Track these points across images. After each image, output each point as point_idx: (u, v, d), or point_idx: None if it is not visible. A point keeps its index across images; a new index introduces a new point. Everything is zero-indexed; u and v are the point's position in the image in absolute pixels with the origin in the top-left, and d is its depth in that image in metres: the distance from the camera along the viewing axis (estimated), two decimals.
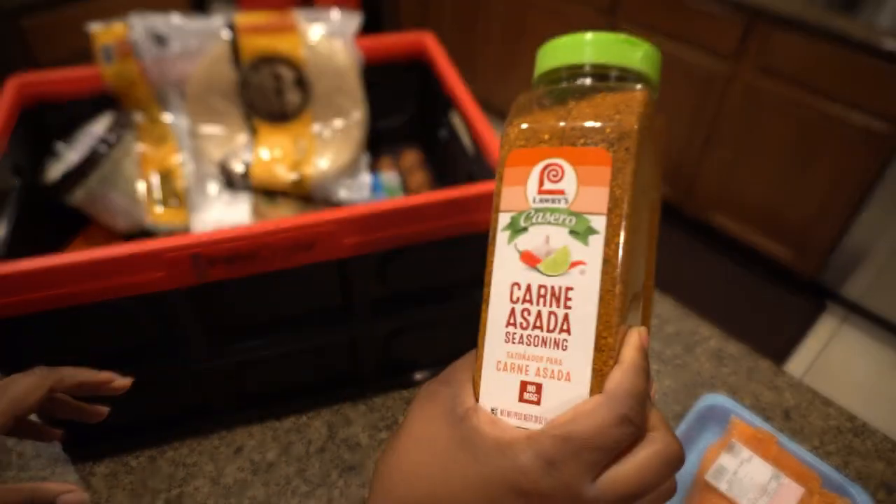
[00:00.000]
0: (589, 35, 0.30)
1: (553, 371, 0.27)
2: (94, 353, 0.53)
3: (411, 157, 0.78)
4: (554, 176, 0.28)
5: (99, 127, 0.63)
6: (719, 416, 0.62)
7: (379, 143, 0.77)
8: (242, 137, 0.67)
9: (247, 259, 0.49)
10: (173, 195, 0.64)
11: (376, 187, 0.74)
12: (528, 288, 0.27)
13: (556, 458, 0.24)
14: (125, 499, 0.58)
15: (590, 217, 0.27)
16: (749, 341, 0.77)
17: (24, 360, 0.50)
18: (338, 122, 0.67)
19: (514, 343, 0.28)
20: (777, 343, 1.69)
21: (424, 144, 0.81)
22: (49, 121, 0.65)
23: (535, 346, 0.27)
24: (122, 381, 0.42)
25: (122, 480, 0.59)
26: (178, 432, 0.62)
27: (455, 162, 0.71)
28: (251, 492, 0.58)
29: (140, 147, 0.64)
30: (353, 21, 0.67)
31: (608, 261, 0.26)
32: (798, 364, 1.65)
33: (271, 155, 0.66)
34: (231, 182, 0.67)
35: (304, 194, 0.68)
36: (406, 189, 0.76)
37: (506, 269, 0.28)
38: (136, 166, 0.64)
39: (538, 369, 0.27)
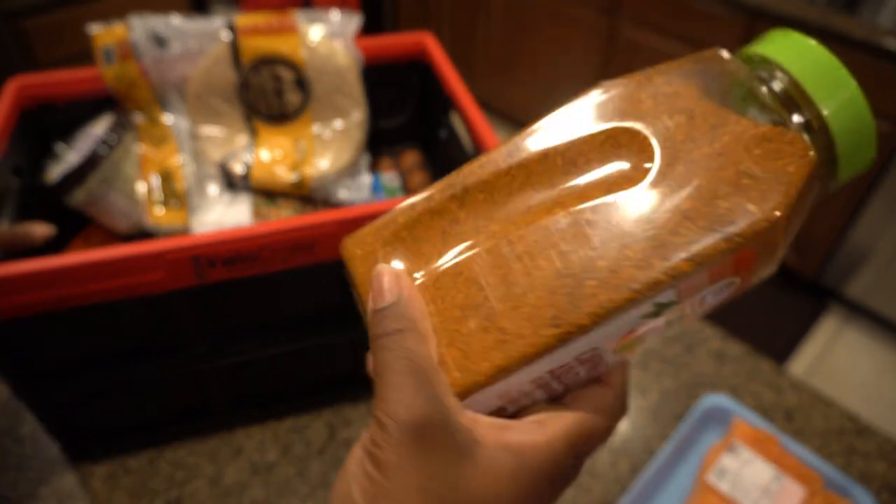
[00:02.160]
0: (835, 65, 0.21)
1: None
2: (94, 354, 0.53)
3: (411, 158, 0.78)
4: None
5: (99, 128, 0.63)
6: (720, 416, 0.62)
7: (379, 143, 0.77)
8: (242, 138, 0.67)
9: (247, 260, 0.49)
10: (173, 196, 0.64)
11: (376, 187, 0.74)
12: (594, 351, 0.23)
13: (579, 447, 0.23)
14: (124, 500, 0.58)
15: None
16: (750, 341, 0.77)
17: (25, 361, 0.51)
18: (338, 123, 0.67)
19: (533, 384, 0.24)
20: (778, 343, 1.69)
21: (424, 144, 0.81)
22: (49, 122, 0.64)
23: (539, 388, 0.24)
24: (42, 230, 0.46)
25: (122, 482, 0.59)
26: (177, 433, 0.62)
27: (455, 162, 0.71)
28: (251, 493, 0.58)
29: (140, 148, 0.64)
30: (353, 21, 0.67)
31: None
32: (799, 364, 1.64)
33: (271, 156, 0.66)
34: (231, 183, 0.67)
35: (305, 195, 0.67)
36: (406, 189, 0.76)
37: (604, 334, 0.22)
38: (136, 167, 0.64)
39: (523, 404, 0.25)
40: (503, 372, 0.22)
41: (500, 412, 0.24)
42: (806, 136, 0.20)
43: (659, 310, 0.22)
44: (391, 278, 0.22)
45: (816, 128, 0.20)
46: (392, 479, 0.20)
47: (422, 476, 0.20)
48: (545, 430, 0.22)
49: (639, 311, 0.21)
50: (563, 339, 0.21)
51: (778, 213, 0.19)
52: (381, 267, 0.23)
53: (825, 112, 0.20)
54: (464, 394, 0.22)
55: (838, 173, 0.20)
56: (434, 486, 0.20)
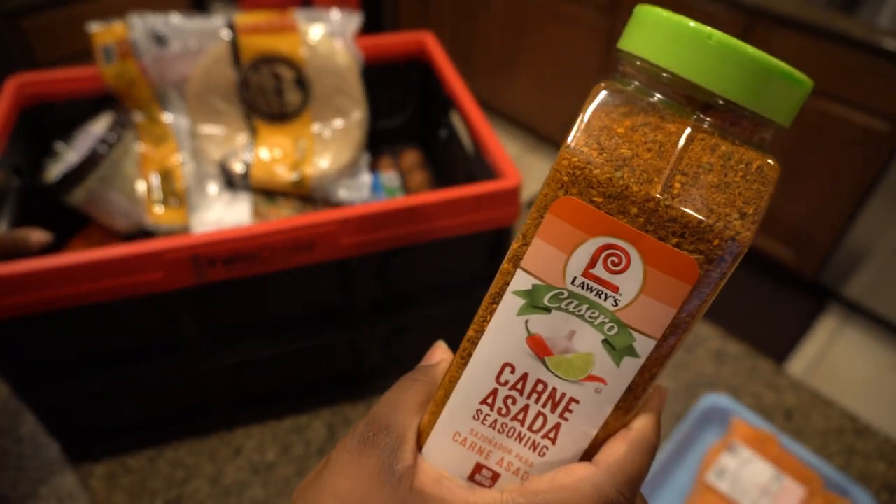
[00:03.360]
0: (762, 57, 0.20)
1: (517, 469, 0.23)
2: (93, 354, 0.53)
3: (411, 157, 0.78)
4: (614, 265, 0.20)
5: (98, 127, 0.63)
6: (720, 416, 0.62)
7: (379, 143, 0.77)
8: (242, 137, 0.67)
9: (247, 260, 0.49)
10: (173, 195, 0.64)
11: (376, 187, 0.74)
12: (524, 377, 0.22)
13: None
14: (124, 500, 0.58)
15: (637, 336, 0.20)
16: (750, 341, 0.77)
17: (24, 361, 0.50)
18: (338, 122, 0.67)
19: (483, 424, 0.23)
20: (778, 343, 1.69)
21: (424, 144, 0.81)
22: (48, 121, 0.64)
23: (508, 437, 0.23)
24: (39, 237, 0.45)
25: (121, 481, 0.59)
26: (177, 433, 0.62)
27: (455, 162, 0.71)
28: (251, 492, 0.58)
29: (140, 147, 0.64)
30: (353, 21, 0.67)
31: (633, 389, 0.21)
32: (799, 364, 1.64)
33: (271, 155, 0.66)
34: (231, 182, 0.67)
35: (304, 194, 0.67)
36: (406, 189, 0.76)
37: (503, 342, 0.22)
38: (136, 166, 0.63)
39: (501, 460, 0.23)
40: (437, 406, 0.24)
41: (485, 477, 0.24)
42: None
43: (534, 299, 0.21)
44: (443, 350, 0.28)
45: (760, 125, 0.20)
46: (323, 476, 0.23)
47: (346, 481, 0.22)
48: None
49: (507, 308, 0.21)
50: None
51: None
52: (440, 343, 0.28)
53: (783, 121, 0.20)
54: (422, 439, 0.24)
55: (775, 120, 0.20)
56: (351, 495, 0.22)
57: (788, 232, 1.73)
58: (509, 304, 0.21)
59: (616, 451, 0.22)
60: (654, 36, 0.20)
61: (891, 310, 1.64)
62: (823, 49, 1.44)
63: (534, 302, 0.21)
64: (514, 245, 0.21)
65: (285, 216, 0.66)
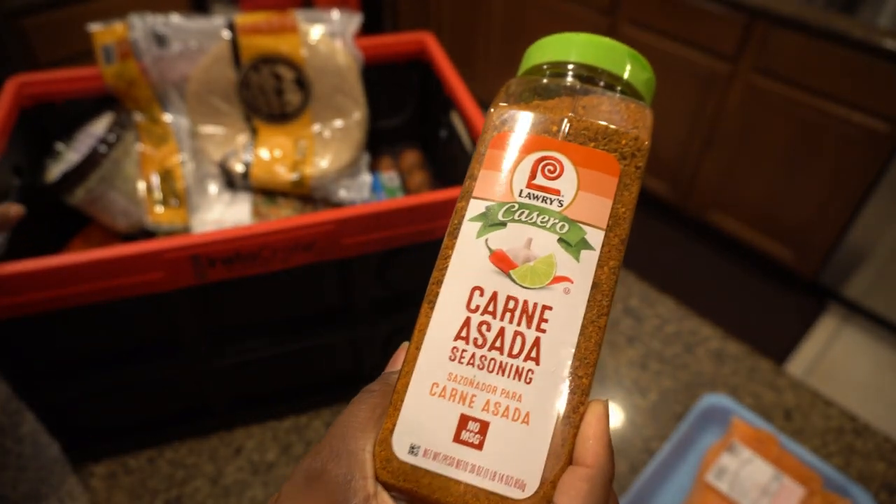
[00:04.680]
0: (608, 40, 0.26)
1: (508, 408, 0.21)
2: (93, 354, 0.53)
3: (411, 157, 0.78)
4: (551, 172, 0.23)
5: (99, 127, 0.63)
6: (720, 416, 0.62)
7: (379, 143, 0.77)
8: (242, 137, 0.67)
9: (247, 259, 0.49)
10: (173, 195, 0.64)
11: (376, 187, 0.74)
12: (494, 297, 0.22)
13: None
14: (124, 499, 0.58)
15: (586, 228, 0.22)
16: (749, 341, 0.77)
17: (25, 360, 0.51)
18: (338, 122, 0.67)
19: (461, 363, 0.22)
20: (778, 343, 1.69)
21: (424, 144, 0.81)
22: (49, 121, 0.64)
23: (491, 371, 0.21)
24: (17, 209, 0.44)
25: (122, 481, 0.59)
26: (177, 432, 0.62)
27: (455, 162, 0.71)
28: (251, 492, 0.58)
29: (140, 147, 0.64)
30: (353, 21, 0.67)
31: (598, 285, 0.22)
32: (799, 364, 1.64)
33: (271, 155, 0.66)
34: (231, 182, 0.67)
35: (304, 194, 0.67)
36: (406, 189, 0.76)
37: (468, 268, 0.23)
38: (136, 166, 0.64)
39: (488, 403, 0.21)
40: (407, 371, 0.22)
41: (473, 432, 0.21)
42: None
43: (489, 219, 0.23)
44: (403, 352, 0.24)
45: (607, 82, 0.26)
46: None
47: None
48: None
49: (466, 235, 0.23)
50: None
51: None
52: (405, 344, 0.25)
53: (637, 84, 0.26)
54: (396, 409, 0.22)
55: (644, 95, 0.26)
56: None
57: (788, 232, 1.73)
58: (467, 231, 0.23)
59: (578, 490, 0.20)
60: (553, 46, 0.27)
61: (890, 310, 1.64)
62: (823, 49, 1.44)
63: (490, 221, 0.23)
64: (464, 185, 0.24)
65: (285, 216, 0.66)
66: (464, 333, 0.22)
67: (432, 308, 0.23)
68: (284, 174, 0.65)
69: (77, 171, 0.60)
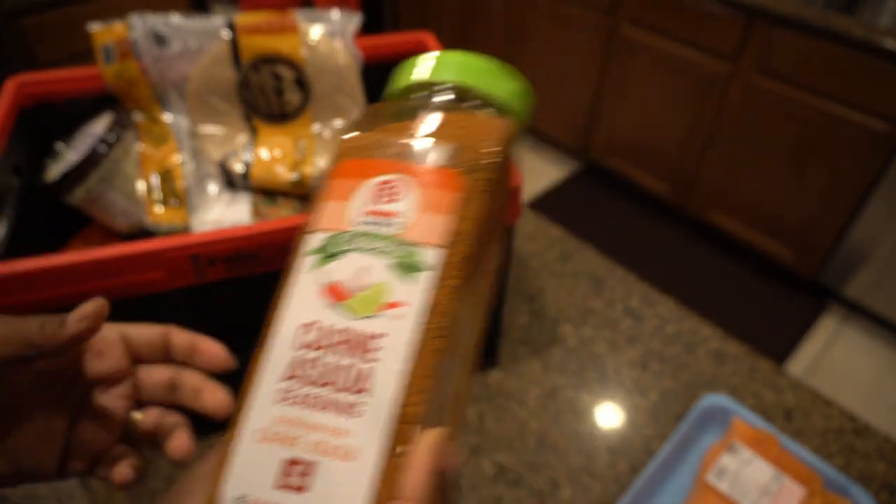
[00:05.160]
0: (458, 55, 0.26)
1: (335, 446, 0.20)
2: None
3: None
4: (390, 195, 0.22)
5: (99, 127, 0.63)
6: (720, 416, 0.62)
7: None
8: (242, 137, 0.67)
9: (247, 259, 0.49)
10: (173, 195, 0.64)
11: None
12: (325, 331, 0.21)
13: None
14: (124, 500, 0.58)
15: (422, 250, 0.21)
16: (750, 341, 0.77)
17: None
18: (338, 122, 0.67)
19: (289, 404, 0.20)
20: (778, 343, 1.69)
21: None
22: (49, 121, 0.64)
23: (319, 409, 0.20)
24: (222, 357, 0.30)
25: None
26: None
27: None
28: None
29: (140, 147, 0.64)
30: (353, 21, 0.67)
31: (436, 307, 0.21)
32: (799, 364, 1.64)
33: (271, 155, 0.66)
34: (231, 182, 0.67)
35: (304, 194, 0.67)
36: None
37: (300, 304, 0.22)
38: (136, 166, 0.63)
39: (315, 443, 0.20)
40: (235, 422, 0.21)
41: (298, 474, 0.20)
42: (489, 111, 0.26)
43: (326, 251, 0.23)
44: None
45: (490, 105, 0.26)
46: None
47: None
48: None
49: (300, 271, 0.23)
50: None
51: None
52: None
53: (496, 93, 0.26)
54: (225, 461, 0.21)
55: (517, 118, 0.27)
56: None
57: (789, 232, 1.73)
58: (302, 267, 0.23)
59: (414, 481, 0.19)
60: (406, 69, 0.27)
61: (891, 309, 1.64)
62: (823, 49, 1.44)
63: (327, 253, 0.23)
64: (307, 221, 0.24)
65: (285, 216, 0.66)
66: (292, 373, 0.21)
67: (262, 351, 0.22)
68: (284, 174, 0.65)
69: (77, 171, 0.60)
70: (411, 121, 0.25)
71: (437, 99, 0.26)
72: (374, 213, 0.22)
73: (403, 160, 0.23)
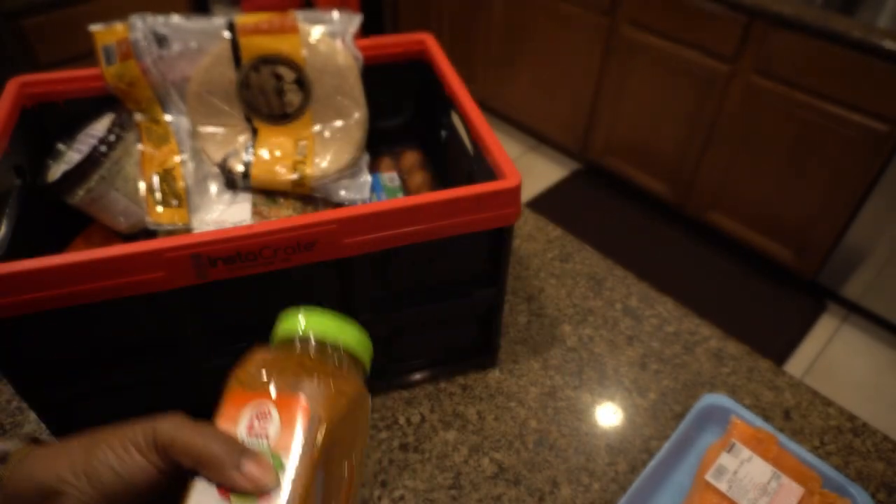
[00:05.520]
0: (320, 316, 0.36)
1: None
2: (94, 353, 0.53)
3: (411, 158, 0.79)
4: (262, 418, 0.30)
5: (99, 127, 0.63)
6: (719, 415, 0.63)
7: (379, 143, 0.77)
8: (243, 137, 0.67)
9: (247, 259, 0.49)
10: (174, 195, 0.64)
11: (376, 187, 0.74)
12: None
13: None
14: None
15: (283, 457, 0.29)
16: (749, 341, 0.77)
17: (25, 360, 0.51)
18: (338, 123, 0.68)
19: None
20: (777, 343, 1.69)
21: (424, 144, 0.81)
22: (50, 121, 0.65)
23: None
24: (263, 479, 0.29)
25: None
26: None
27: (455, 162, 0.71)
28: None
29: (140, 147, 0.65)
30: (354, 21, 0.67)
31: (294, 498, 0.28)
32: (798, 364, 1.65)
33: (272, 155, 0.66)
34: (231, 182, 0.67)
35: (305, 194, 0.68)
36: (406, 189, 0.76)
37: (202, 497, 0.28)
38: (137, 166, 0.64)
39: None
40: None
41: None
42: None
43: None
44: None
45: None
46: None
47: None
48: None
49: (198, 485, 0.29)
50: None
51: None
52: None
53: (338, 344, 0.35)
54: None
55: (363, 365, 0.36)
56: None
57: (788, 232, 1.73)
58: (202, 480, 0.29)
59: None
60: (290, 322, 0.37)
61: (889, 310, 1.65)
62: (822, 49, 1.44)
63: None
64: None
65: (286, 216, 0.66)
66: None
67: None
68: (285, 174, 0.65)
69: (78, 171, 0.60)
70: (289, 359, 0.34)
71: (306, 347, 0.35)
72: (254, 433, 0.30)
73: (275, 390, 0.31)
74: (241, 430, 0.30)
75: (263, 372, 0.33)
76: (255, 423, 0.30)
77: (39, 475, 0.29)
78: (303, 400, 0.30)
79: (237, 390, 0.32)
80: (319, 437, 0.30)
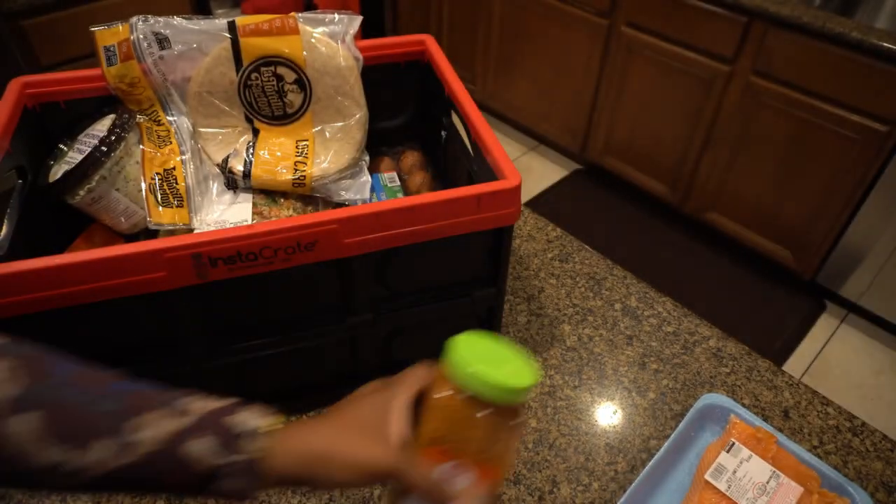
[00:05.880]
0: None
1: None
2: (95, 353, 0.53)
3: (411, 158, 0.79)
4: (459, 472, 0.35)
5: (101, 127, 0.63)
6: (718, 415, 0.63)
7: (379, 144, 0.77)
8: (243, 138, 0.67)
9: (248, 259, 0.49)
10: (175, 195, 0.64)
11: (376, 187, 0.74)
12: None
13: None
14: (126, 498, 0.58)
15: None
16: (748, 341, 0.77)
17: None
18: (338, 123, 0.68)
19: None
20: (776, 343, 1.69)
21: (424, 144, 0.81)
22: (51, 121, 0.65)
23: None
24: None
25: None
26: None
27: (455, 162, 0.71)
28: None
29: (141, 147, 0.65)
30: (354, 22, 0.67)
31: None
32: (797, 364, 1.65)
33: (272, 155, 0.66)
34: (232, 182, 0.67)
35: (305, 194, 0.68)
36: (406, 189, 0.76)
37: None
38: (138, 167, 0.64)
39: None
40: None
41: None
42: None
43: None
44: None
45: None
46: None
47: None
48: None
49: None
50: None
51: None
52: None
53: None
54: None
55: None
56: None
57: (787, 232, 1.73)
58: None
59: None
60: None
61: (888, 309, 1.65)
62: (821, 50, 1.45)
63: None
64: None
65: (286, 216, 0.66)
66: None
67: None
68: (285, 174, 0.66)
69: (79, 171, 0.60)
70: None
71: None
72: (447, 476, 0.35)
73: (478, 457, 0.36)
74: (439, 470, 0.35)
75: (472, 436, 0.36)
76: (453, 472, 0.35)
77: (299, 450, 0.34)
78: (497, 474, 0.36)
79: (439, 439, 0.36)
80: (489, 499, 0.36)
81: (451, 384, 0.35)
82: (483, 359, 0.36)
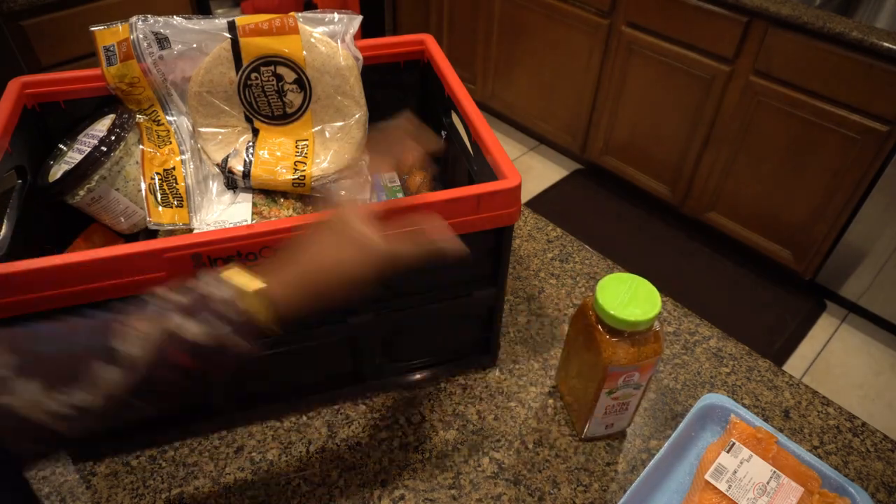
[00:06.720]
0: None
1: None
2: None
3: (411, 158, 0.79)
4: None
5: (100, 127, 0.63)
6: (719, 415, 0.63)
7: None
8: (243, 138, 0.67)
9: (247, 259, 0.49)
10: (174, 195, 0.64)
11: (376, 187, 0.74)
12: None
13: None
14: (126, 498, 0.58)
15: None
16: (748, 341, 0.77)
17: None
18: (338, 123, 0.68)
19: None
20: (776, 343, 1.69)
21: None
22: (51, 121, 0.65)
23: None
24: None
25: (123, 480, 0.59)
26: (178, 432, 0.63)
27: (455, 162, 0.71)
28: (251, 491, 0.59)
29: (141, 147, 0.65)
30: (354, 22, 0.67)
31: None
32: (797, 364, 1.65)
33: (272, 155, 0.66)
34: (232, 182, 0.67)
35: (305, 194, 0.68)
36: (406, 189, 0.76)
37: None
38: (138, 167, 0.64)
39: None
40: None
41: None
42: None
43: None
44: None
45: None
46: None
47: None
48: None
49: None
50: None
51: None
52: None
53: None
54: None
55: None
56: None
57: (787, 232, 1.73)
58: None
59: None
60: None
61: (888, 309, 1.65)
62: (821, 50, 1.44)
63: None
64: None
65: (286, 216, 0.66)
66: None
67: None
68: (285, 174, 0.65)
69: (78, 171, 0.60)
70: None
71: None
72: None
73: None
74: None
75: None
76: None
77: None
78: None
79: None
80: None
81: None
82: None
